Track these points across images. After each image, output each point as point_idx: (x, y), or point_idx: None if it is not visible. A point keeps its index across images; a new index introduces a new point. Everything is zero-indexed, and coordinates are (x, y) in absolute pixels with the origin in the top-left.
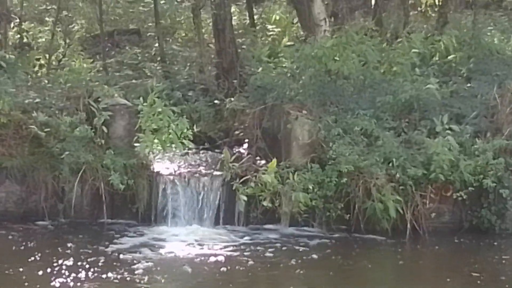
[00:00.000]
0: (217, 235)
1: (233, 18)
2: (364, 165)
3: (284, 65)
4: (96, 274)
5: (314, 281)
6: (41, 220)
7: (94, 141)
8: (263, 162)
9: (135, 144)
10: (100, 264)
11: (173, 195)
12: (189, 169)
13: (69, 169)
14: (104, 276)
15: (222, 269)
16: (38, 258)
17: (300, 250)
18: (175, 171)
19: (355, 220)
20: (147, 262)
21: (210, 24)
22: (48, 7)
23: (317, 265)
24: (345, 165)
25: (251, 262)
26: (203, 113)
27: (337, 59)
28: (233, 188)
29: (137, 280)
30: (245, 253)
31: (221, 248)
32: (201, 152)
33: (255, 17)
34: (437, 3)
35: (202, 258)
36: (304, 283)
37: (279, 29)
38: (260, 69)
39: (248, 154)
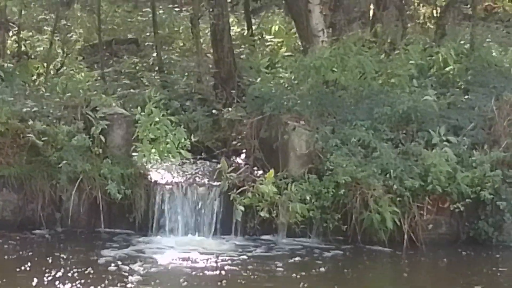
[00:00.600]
0: (214, 245)
1: (231, 28)
2: (361, 176)
3: (282, 76)
4: (91, 285)
5: None
6: (38, 229)
7: (91, 150)
8: (260, 172)
9: (133, 154)
10: (95, 274)
11: (170, 204)
12: (186, 179)
13: (67, 178)
14: (99, 287)
15: (218, 283)
16: (33, 267)
17: (297, 261)
18: (172, 181)
19: (352, 231)
20: (143, 271)
21: (208, 34)
22: (47, 16)
23: (315, 276)
24: (343, 176)
25: (248, 273)
26: (200, 123)
27: (335, 70)
28: (231, 198)
29: None
30: (242, 264)
31: (218, 259)
32: (198, 162)
33: (253, 27)
34: (435, 14)
35: (199, 268)
36: None
37: (277, 40)
38: (259, 79)
39: (245, 164)
